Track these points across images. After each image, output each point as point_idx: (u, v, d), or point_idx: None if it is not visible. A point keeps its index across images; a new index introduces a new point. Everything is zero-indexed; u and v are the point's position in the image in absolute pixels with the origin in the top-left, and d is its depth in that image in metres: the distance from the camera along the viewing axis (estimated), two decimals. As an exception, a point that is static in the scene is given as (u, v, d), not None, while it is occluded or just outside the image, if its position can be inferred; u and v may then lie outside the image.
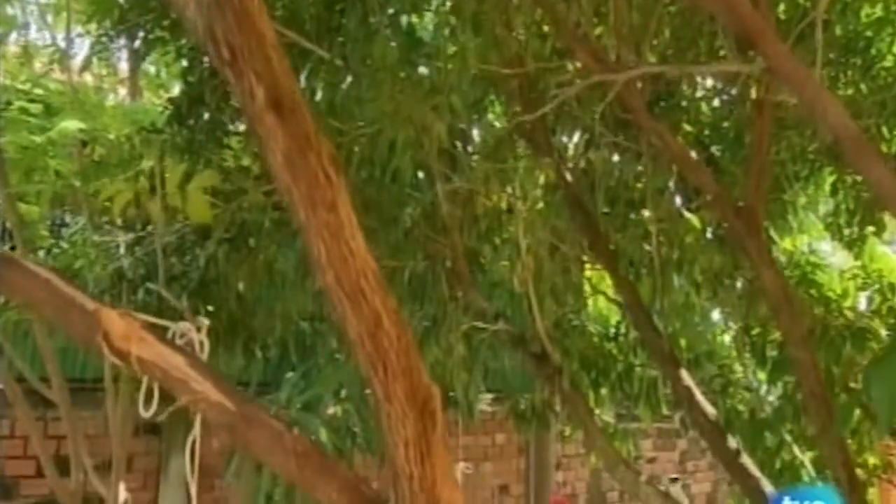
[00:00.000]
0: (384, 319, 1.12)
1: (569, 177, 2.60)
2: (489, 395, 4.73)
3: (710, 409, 2.32)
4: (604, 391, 3.57)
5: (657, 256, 2.41)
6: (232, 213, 3.25)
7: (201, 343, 1.40)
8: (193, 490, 1.49)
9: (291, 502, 3.91)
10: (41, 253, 3.25)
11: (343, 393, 3.77)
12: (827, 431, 1.88)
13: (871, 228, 3.74)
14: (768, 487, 2.18)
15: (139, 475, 4.47)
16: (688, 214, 2.35)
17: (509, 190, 2.64)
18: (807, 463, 2.59)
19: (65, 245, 3.40)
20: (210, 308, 3.22)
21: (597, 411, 3.13)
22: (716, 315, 3.98)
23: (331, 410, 3.74)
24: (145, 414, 1.46)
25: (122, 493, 3.63)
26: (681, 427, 3.60)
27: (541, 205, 2.60)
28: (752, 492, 2.19)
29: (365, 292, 1.11)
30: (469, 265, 2.93)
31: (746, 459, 2.22)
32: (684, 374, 2.35)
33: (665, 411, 3.87)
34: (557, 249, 2.53)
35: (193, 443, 1.48)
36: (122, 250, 3.27)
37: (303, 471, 1.25)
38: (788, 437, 2.63)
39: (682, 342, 3.11)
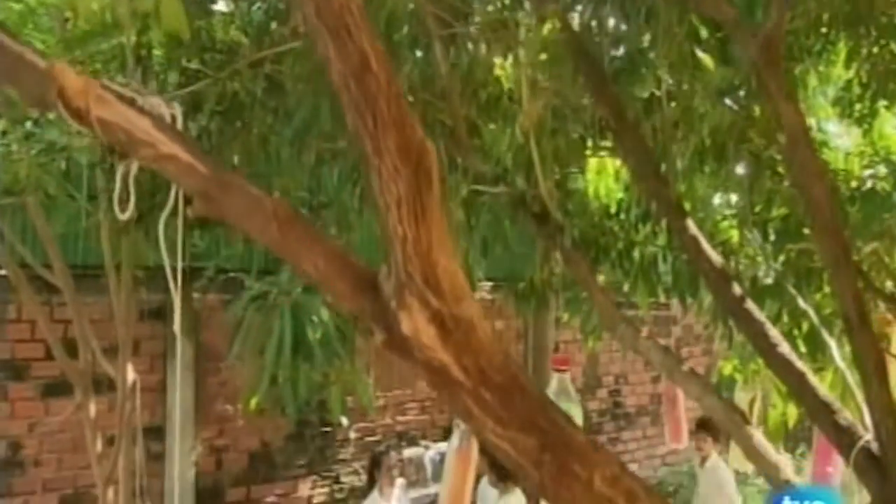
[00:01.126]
0: (372, 61, 1.04)
1: (575, 25, 2.48)
2: (488, 283, 4.74)
3: (715, 257, 2.28)
4: (601, 277, 3.55)
5: (665, 105, 2.31)
6: (223, 85, 3.15)
7: (173, 118, 1.31)
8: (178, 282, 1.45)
9: (295, 383, 3.94)
10: (28, 124, 3.17)
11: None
12: (839, 264, 1.84)
13: (883, 102, 3.64)
14: (772, 331, 2.16)
15: (146, 358, 4.52)
16: (701, 55, 2.23)
17: (511, 47, 2.51)
18: (811, 313, 2.57)
19: (51, 118, 3.31)
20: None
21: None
22: (717, 199, 3.95)
23: (332, 293, 3.72)
24: (122, 217, 1.40)
25: (131, 374, 3.66)
26: (680, 305, 3.60)
27: (544, 56, 2.48)
28: (756, 336, 2.17)
29: (350, 28, 1.03)
30: (468, 131, 2.84)
31: (751, 304, 2.19)
32: (690, 224, 2.29)
33: (662, 299, 3.88)
34: (561, 103, 2.43)
35: (177, 195, 1.42)
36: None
37: (286, 238, 1.19)
38: (793, 291, 2.60)
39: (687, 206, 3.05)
